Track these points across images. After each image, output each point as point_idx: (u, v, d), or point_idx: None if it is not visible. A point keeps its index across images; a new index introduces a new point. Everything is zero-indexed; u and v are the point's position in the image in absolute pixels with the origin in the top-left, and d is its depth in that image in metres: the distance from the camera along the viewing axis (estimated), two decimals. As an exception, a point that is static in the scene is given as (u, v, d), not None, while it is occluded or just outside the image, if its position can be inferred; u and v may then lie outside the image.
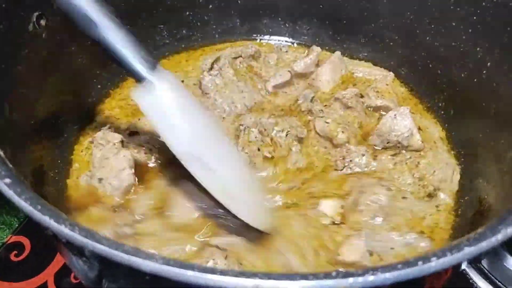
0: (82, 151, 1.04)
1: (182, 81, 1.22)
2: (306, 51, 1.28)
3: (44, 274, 1.00)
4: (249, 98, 1.17)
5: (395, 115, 1.02)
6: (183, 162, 0.79)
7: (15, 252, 1.04)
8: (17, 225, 1.12)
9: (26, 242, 1.06)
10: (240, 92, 1.17)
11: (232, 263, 0.80)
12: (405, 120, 1.02)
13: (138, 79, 0.77)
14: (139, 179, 0.97)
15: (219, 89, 1.16)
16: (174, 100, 0.80)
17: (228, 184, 0.84)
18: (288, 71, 1.21)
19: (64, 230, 0.46)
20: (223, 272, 0.43)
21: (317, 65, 1.24)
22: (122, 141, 1.00)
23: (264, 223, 0.86)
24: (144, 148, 1.02)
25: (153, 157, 1.01)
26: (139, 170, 0.98)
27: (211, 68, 1.19)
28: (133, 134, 1.05)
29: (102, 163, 0.96)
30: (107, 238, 0.46)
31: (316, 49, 1.25)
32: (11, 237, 1.07)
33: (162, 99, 0.78)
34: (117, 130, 1.04)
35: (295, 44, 1.37)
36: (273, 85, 1.20)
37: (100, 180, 0.95)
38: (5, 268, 1.01)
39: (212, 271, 0.43)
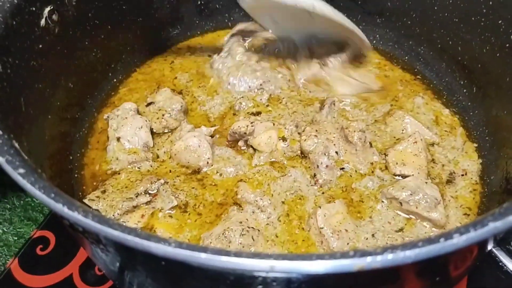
0: (98, 142, 1.06)
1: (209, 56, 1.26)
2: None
3: (69, 267, 1.01)
4: (263, 77, 1.15)
5: (422, 180, 0.91)
6: None
7: (40, 246, 1.05)
8: (42, 220, 1.14)
9: (51, 236, 1.07)
10: (253, 71, 1.15)
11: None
12: (433, 191, 0.89)
13: None
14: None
15: (231, 71, 1.16)
16: None
17: None
18: (317, 63, 1.18)
19: (77, 217, 0.46)
20: (237, 254, 0.42)
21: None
22: (137, 110, 1.06)
23: None
24: (157, 114, 1.06)
25: (165, 122, 1.05)
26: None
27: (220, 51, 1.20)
28: (149, 105, 1.09)
29: (120, 123, 1.01)
30: (120, 224, 0.46)
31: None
32: (36, 231, 1.08)
33: None
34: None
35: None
36: (304, 79, 1.17)
37: (118, 139, 0.99)
38: (31, 262, 1.02)
39: (226, 253, 0.42)
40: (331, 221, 0.85)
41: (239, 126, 1.00)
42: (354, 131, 0.99)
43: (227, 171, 0.97)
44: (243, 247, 0.81)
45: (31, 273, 1.00)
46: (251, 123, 1.00)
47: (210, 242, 0.83)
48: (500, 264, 0.98)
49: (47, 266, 1.01)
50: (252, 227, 0.85)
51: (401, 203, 0.88)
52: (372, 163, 0.98)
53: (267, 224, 0.88)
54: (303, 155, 0.99)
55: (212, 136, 1.03)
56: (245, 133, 0.99)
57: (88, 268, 1.01)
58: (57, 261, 1.02)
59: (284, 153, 0.99)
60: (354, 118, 1.07)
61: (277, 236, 0.86)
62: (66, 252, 1.04)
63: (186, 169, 0.98)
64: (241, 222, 0.85)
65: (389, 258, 0.42)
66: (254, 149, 1.00)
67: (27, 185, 0.49)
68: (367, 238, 0.85)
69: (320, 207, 0.88)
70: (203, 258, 0.42)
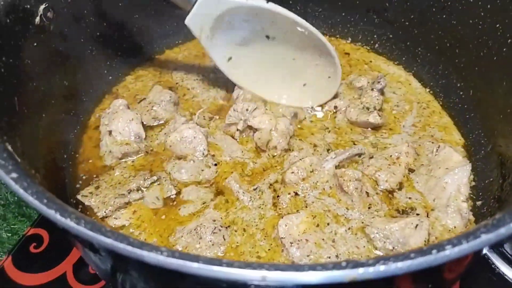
0: (91, 139, 1.05)
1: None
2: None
3: (63, 265, 1.01)
4: None
5: (416, 226, 0.83)
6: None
7: (34, 244, 1.05)
8: (36, 217, 1.14)
9: (44, 234, 1.07)
10: None
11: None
12: (421, 234, 0.84)
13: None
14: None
15: None
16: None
17: None
18: None
19: (69, 223, 0.46)
20: (229, 264, 0.42)
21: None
22: (128, 106, 1.07)
23: None
24: (147, 107, 1.08)
25: (154, 112, 1.07)
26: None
27: None
28: (141, 101, 1.11)
29: (111, 117, 1.01)
30: (113, 231, 0.46)
31: None
32: (30, 229, 1.08)
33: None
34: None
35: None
36: None
37: (110, 133, 0.99)
38: (25, 260, 1.02)
39: (219, 262, 0.42)
40: (292, 231, 0.84)
41: (242, 104, 1.02)
42: (350, 180, 0.90)
43: (222, 159, 0.99)
44: (212, 244, 0.82)
45: (25, 271, 1.00)
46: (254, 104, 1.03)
47: (181, 236, 0.83)
48: (493, 266, 0.99)
49: (41, 264, 1.02)
50: (226, 227, 0.85)
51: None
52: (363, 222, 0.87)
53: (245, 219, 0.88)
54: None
55: (210, 119, 1.07)
56: (247, 109, 1.01)
57: (82, 267, 1.01)
58: (51, 259, 1.02)
59: (284, 134, 0.99)
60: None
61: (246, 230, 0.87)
62: (60, 250, 1.04)
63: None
64: (214, 220, 0.86)
65: (381, 269, 0.42)
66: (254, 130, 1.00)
67: (19, 191, 0.49)
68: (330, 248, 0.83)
69: (282, 217, 0.85)
70: (195, 267, 0.42)
